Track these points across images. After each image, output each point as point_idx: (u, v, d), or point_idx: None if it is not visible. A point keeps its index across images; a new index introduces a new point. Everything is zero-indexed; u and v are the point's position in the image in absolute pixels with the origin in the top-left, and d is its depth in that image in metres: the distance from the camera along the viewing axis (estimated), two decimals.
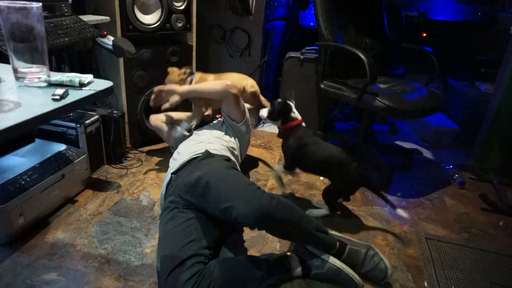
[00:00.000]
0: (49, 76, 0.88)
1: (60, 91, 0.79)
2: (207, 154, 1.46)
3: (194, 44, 2.30)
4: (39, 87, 0.85)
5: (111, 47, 1.64)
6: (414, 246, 1.58)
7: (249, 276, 1.21)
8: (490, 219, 1.83)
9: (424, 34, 3.17)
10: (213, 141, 1.62)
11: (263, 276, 1.22)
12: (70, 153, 1.71)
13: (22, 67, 0.86)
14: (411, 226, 1.71)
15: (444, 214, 1.84)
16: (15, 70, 0.86)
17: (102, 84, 0.89)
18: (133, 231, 1.54)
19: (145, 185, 1.89)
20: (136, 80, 2.08)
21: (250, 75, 2.62)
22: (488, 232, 1.72)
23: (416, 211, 1.84)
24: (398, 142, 2.70)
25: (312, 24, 3.00)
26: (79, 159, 1.71)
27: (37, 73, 0.87)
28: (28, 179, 1.47)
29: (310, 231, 1.27)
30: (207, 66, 2.72)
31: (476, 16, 3.02)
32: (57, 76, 0.87)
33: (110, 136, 1.96)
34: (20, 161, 1.57)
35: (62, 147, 1.71)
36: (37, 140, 1.74)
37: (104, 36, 1.65)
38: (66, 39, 1.42)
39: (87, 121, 1.82)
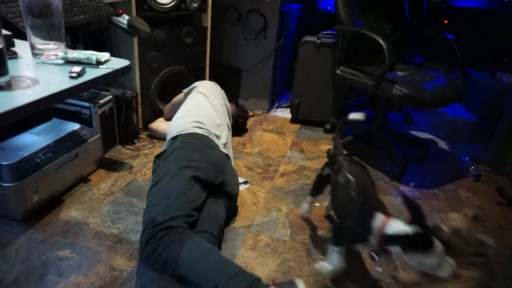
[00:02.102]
0: (66, 53, 0.86)
1: (77, 68, 0.78)
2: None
3: (209, 25, 2.26)
4: (56, 64, 0.84)
5: (126, 26, 1.61)
6: None
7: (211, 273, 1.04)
8: (506, 213, 1.79)
9: (446, 22, 3.06)
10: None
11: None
12: (84, 132, 1.71)
13: (39, 43, 0.85)
14: None
15: (458, 207, 1.81)
16: (32, 47, 0.85)
17: (119, 63, 0.87)
18: None
19: None
20: (150, 60, 2.06)
21: (265, 58, 2.59)
22: (503, 226, 1.69)
23: (429, 202, 1.82)
24: (413, 132, 2.65)
25: (329, 8, 2.92)
26: (92, 139, 1.72)
27: (54, 50, 0.86)
28: (43, 157, 1.48)
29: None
30: (221, 48, 2.68)
31: (502, 4, 2.90)
32: (74, 54, 0.85)
33: (123, 117, 1.96)
34: (35, 139, 1.58)
35: (76, 126, 1.71)
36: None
37: (119, 15, 1.62)
38: (81, 17, 1.40)
39: (101, 101, 1.82)
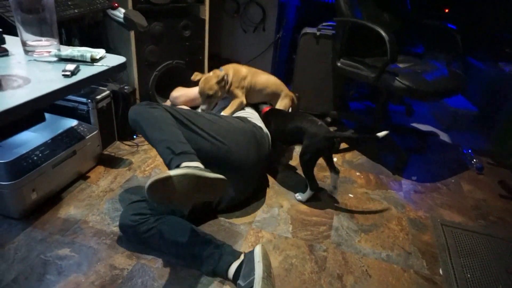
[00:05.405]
0: (59, 50, 0.84)
1: (71, 66, 0.75)
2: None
3: (207, 18, 2.22)
4: (49, 61, 0.81)
5: (122, 20, 1.58)
6: (429, 232, 1.54)
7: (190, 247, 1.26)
8: (509, 206, 1.78)
9: (447, 10, 3.01)
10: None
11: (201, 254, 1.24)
12: (82, 129, 1.69)
13: (31, 40, 0.82)
14: (427, 212, 1.67)
15: (461, 200, 1.79)
16: (23, 43, 0.82)
17: (115, 60, 0.84)
18: None
19: (156, 162, 1.87)
20: (148, 54, 2.03)
21: (264, 51, 2.55)
22: (506, 219, 1.68)
23: (432, 196, 1.80)
24: (414, 124, 2.62)
25: None
26: (90, 135, 1.69)
27: (47, 46, 0.83)
28: (40, 155, 1.46)
29: None
30: (220, 41, 2.64)
31: None
32: (67, 51, 0.82)
33: (121, 112, 1.93)
34: (31, 136, 1.55)
35: (73, 122, 1.69)
36: (48, 115, 1.72)
37: (115, 8, 1.59)
38: (76, 11, 1.37)
39: (98, 97, 1.79)
